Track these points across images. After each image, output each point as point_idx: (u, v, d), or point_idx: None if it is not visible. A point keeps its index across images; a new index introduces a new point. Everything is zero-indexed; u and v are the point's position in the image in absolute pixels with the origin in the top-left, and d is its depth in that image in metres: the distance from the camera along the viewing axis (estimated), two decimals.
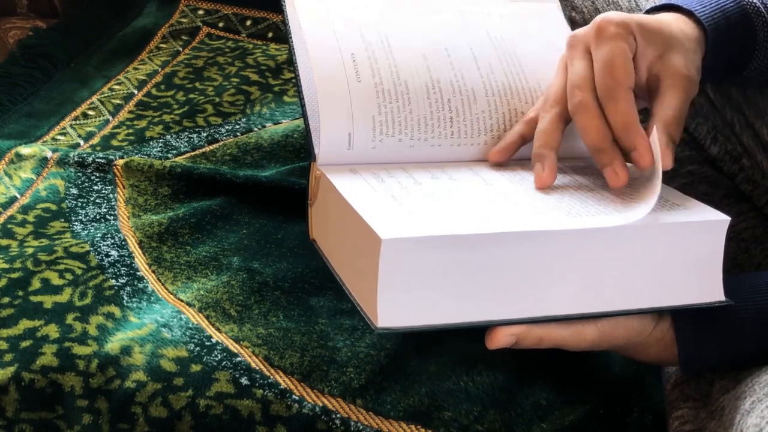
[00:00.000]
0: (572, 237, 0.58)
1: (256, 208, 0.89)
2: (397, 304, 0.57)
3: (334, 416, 0.68)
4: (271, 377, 0.70)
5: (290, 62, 0.71)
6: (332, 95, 0.66)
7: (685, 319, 0.63)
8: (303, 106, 0.68)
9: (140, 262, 0.81)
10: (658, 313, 0.63)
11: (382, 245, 0.55)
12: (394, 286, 0.56)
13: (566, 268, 0.59)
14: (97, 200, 0.89)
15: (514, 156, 0.70)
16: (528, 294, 0.59)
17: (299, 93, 0.69)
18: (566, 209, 0.61)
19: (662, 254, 0.61)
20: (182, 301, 0.77)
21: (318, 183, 0.67)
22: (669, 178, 0.77)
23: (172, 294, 0.78)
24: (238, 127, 1.04)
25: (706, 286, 0.62)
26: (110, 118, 1.06)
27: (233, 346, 0.72)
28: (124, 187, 0.91)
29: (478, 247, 0.57)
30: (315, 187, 0.67)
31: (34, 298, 0.75)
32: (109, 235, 0.84)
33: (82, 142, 1.01)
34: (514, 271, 0.58)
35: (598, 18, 0.64)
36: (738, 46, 0.69)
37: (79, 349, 0.71)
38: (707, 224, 0.61)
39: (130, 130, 1.03)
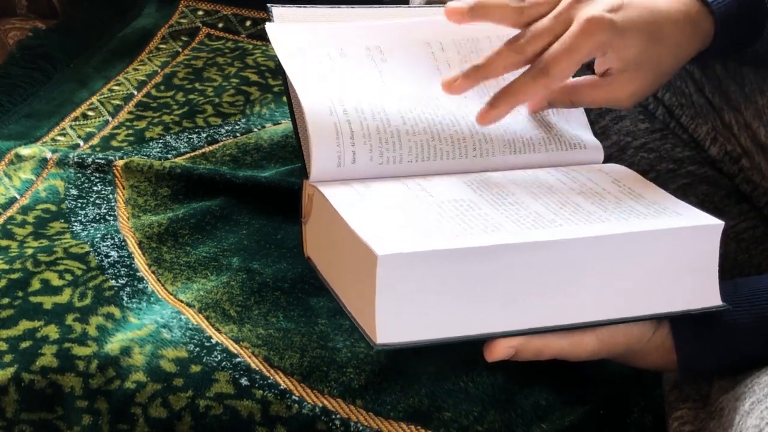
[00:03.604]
0: (569, 247, 0.58)
1: (256, 209, 0.89)
2: (396, 320, 0.56)
3: (333, 417, 0.68)
4: (271, 378, 0.70)
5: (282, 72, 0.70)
6: (322, 129, 0.66)
7: (683, 325, 0.63)
8: (294, 123, 0.68)
9: (140, 262, 0.81)
10: (657, 319, 0.63)
11: (378, 261, 0.54)
12: (392, 302, 0.56)
13: (563, 277, 0.59)
14: (97, 201, 0.89)
15: (507, 167, 0.69)
16: (527, 305, 0.59)
17: (291, 114, 0.69)
18: (552, 218, 0.61)
19: (658, 260, 0.61)
20: (182, 301, 0.77)
21: (311, 201, 0.66)
22: (669, 178, 0.77)
23: (171, 294, 0.78)
24: (237, 127, 1.04)
25: (702, 291, 0.62)
26: (110, 118, 1.06)
27: (233, 347, 0.72)
28: (123, 188, 0.91)
29: (475, 259, 0.57)
30: (308, 205, 0.67)
31: (33, 299, 0.75)
32: (108, 236, 0.84)
33: (81, 143, 1.01)
34: (512, 283, 0.58)
35: (593, 12, 0.64)
36: (743, 33, 0.69)
37: (78, 350, 0.71)
38: (702, 229, 0.61)
39: (130, 131, 1.03)
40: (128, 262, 0.81)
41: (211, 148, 0.99)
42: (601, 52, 0.65)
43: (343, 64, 0.71)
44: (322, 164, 0.65)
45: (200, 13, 1.30)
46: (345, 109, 0.66)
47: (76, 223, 0.86)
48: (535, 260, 0.58)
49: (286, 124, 1.04)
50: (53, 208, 0.88)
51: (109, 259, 0.81)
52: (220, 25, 1.28)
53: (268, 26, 0.71)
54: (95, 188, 0.91)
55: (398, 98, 0.69)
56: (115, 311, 0.75)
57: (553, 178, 0.67)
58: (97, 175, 0.93)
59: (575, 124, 0.73)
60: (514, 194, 0.64)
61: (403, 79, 0.71)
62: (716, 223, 0.61)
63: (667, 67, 0.67)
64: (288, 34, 0.71)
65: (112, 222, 0.87)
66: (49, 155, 0.94)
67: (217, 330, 0.74)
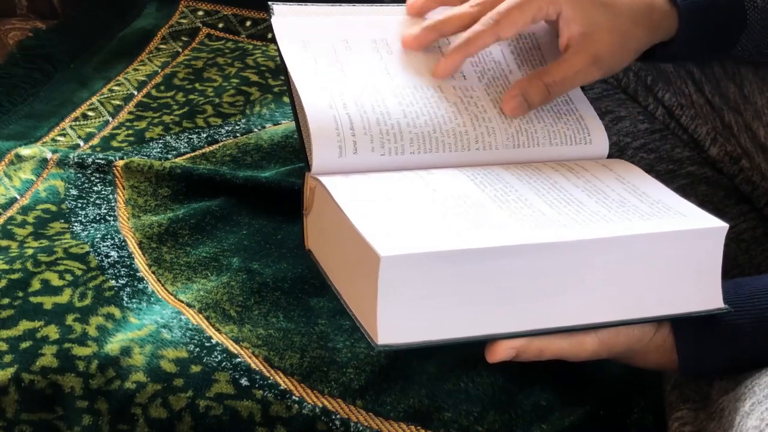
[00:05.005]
0: (572, 248, 0.58)
1: (256, 209, 0.89)
2: (398, 321, 0.56)
3: (334, 417, 0.68)
4: (271, 378, 0.70)
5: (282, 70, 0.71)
6: (321, 121, 0.66)
7: (684, 325, 0.63)
8: (296, 118, 0.68)
9: (140, 262, 0.81)
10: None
11: (381, 262, 0.54)
12: (394, 302, 0.55)
13: (566, 279, 0.59)
14: (97, 201, 0.89)
15: (510, 160, 0.69)
16: (529, 306, 0.58)
17: (292, 106, 0.69)
18: (556, 217, 0.61)
19: (661, 262, 0.60)
20: (182, 301, 0.77)
21: (313, 194, 0.66)
22: (669, 178, 0.77)
23: (172, 295, 0.78)
24: (237, 127, 1.04)
25: (704, 294, 0.62)
26: (110, 119, 1.06)
27: (233, 347, 0.72)
28: (123, 188, 0.91)
29: (479, 260, 0.56)
30: (310, 197, 0.67)
31: (34, 299, 0.75)
32: (108, 236, 0.84)
33: (81, 143, 1.01)
34: (515, 284, 0.58)
35: None
36: (723, 25, 0.69)
37: (78, 350, 0.71)
38: (705, 231, 0.61)
39: (130, 131, 1.03)
40: (128, 263, 0.81)
41: (211, 148, 0.99)
42: (554, 9, 0.66)
43: (347, 56, 0.71)
44: (323, 155, 0.65)
45: (200, 13, 1.30)
46: (344, 102, 0.67)
47: (76, 224, 0.86)
48: (538, 262, 0.58)
49: (286, 125, 1.04)
50: (53, 208, 0.88)
51: (109, 260, 0.81)
52: (220, 25, 1.28)
53: (273, 18, 0.72)
54: (95, 188, 0.91)
55: (401, 90, 0.69)
56: (115, 311, 0.75)
57: (557, 174, 0.67)
58: (98, 175, 0.93)
59: (583, 115, 0.72)
60: (517, 190, 0.64)
61: (408, 72, 0.71)
62: (720, 226, 0.61)
63: (626, 30, 0.67)
64: (293, 26, 0.72)
65: (112, 222, 0.87)
66: (49, 155, 0.94)
67: (218, 330, 0.74)
